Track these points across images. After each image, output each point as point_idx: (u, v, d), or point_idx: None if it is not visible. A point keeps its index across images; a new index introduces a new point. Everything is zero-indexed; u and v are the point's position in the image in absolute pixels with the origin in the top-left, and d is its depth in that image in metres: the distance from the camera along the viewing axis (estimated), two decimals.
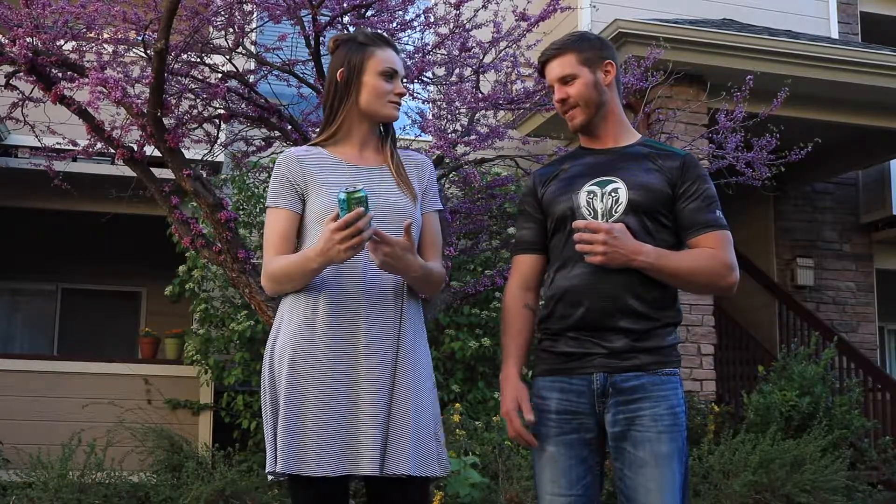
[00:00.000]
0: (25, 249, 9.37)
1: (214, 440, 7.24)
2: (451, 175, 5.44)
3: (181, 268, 7.16)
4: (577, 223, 2.25)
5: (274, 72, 4.77)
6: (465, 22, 4.88)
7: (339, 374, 2.21)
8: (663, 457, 2.24)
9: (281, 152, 3.28)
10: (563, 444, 2.34)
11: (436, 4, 5.22)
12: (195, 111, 4.58)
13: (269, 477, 2.27)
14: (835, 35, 8.76)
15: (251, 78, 4.74)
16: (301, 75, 4.79)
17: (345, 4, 4.41)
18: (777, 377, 7.02)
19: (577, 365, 2.33)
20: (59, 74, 4.27)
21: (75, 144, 4.59)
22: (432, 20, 4.93)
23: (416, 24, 4.87)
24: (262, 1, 4.48)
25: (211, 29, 4.88)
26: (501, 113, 5.86)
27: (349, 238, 2.10)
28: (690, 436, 5.95)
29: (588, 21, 7.65)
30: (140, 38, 4.25)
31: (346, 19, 4.61)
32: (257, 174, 6.38)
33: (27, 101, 4.50)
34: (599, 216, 2.34)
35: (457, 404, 6.12)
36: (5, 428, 7.05)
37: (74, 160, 4.77)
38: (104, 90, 3.95)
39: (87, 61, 4.29)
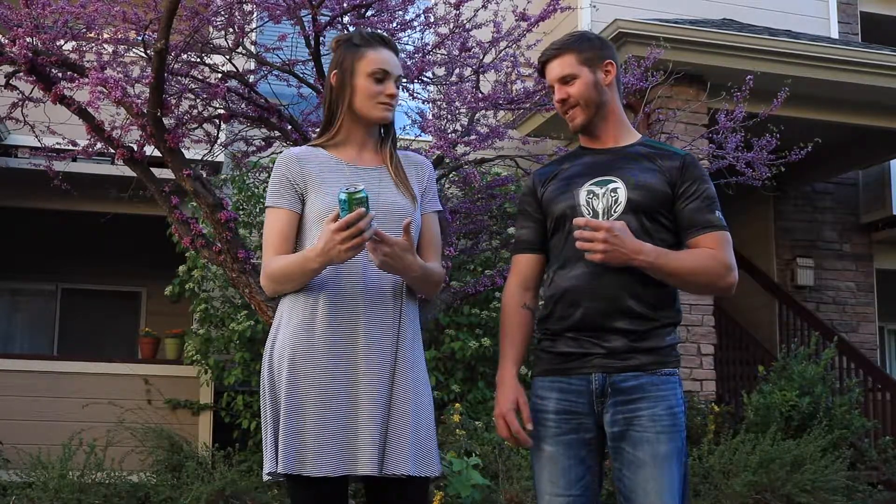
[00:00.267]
0: (25, 249, 9.37)
1: (214, 440, 7.25)
2: (451, 175, 5.44)
3: (181, 268, 7.16)
4: (578, 220, 2.25)
5: (274, 72, 4.77)
6: (465, 22, 4.88)
7: (338, 374, 2.21)
8: (662, 457, 2.24)
9: (281, 152, 3.28)
10: (562, 444, 2.34)
11: (436, 4, 5.22)
12: (195, 111, 4.57)
13: (267, 477, 2.26)
14: (835, 35, 8.76)
15: (251, 78, 4.74)
16: (301, 75, 4.78)
17: (345, 4, 4.41)
18: (777, 377, 7.02)
19: (576, 365, 2.33)
20: (59, 74, 4.27)
21: (75, 144, 4.58)
22: (432, 20, 4.93)
23: (416, 24, 4.87)
24: (262, 1, 4.48)
25: (211, 29, 4.87)
26: (501, 113, 5.85)
27: (350, 238, 2.10)
28: (690, 436, 5.98)
29: (588, 21, 7.65)
30: (140, 38, 4.25)
31: (346, 19, 4.61)
32: (257, 174, 6.38)
33: (27, 101, 4.50)
34: (599, 216, 2.34)
35: (457, 404, 6.13)
36: (5, 428, 7.05)
37: (74, 160, 4.77)
38: (104, 90, 3.95)
39: (87, 61, 4.29)
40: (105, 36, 4.31)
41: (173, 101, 4.39)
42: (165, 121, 4.23)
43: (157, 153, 4.32)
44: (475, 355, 6.71)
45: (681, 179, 2.36)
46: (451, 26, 4.89)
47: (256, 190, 6.89)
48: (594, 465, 2.36)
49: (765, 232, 9.33)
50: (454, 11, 4.84)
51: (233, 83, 4.61)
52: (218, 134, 5.00)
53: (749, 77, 5.40)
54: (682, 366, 2.40)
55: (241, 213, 6.81)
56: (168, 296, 7.31)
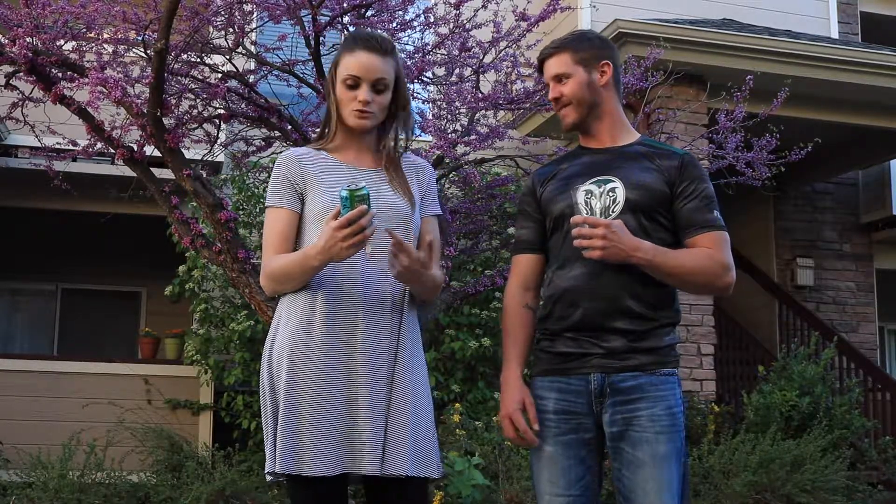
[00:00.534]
0: (25, 249, 9.37)
1: (214, 440, 7.25)
2: (451, 175, 5.44)
3: (181, 268, 7.16)
4: (576, 218, 2.25)
5: (274, 72, 4.77)
6: (465, 22, 4.88)
7: (335, 374, 2.21)
8: (661, 457, 2.24)
9: (281, 152, 3.28)
10: (562, 444, 2.34)
11: (436, 4, 5.22)
12: (195, 111, 4.58)
13: (269, 477, 2.26)
14: (835, 35, 8.76)
15: (251, 78, 4.74)
16: (301, 75, 4.78)
17: (345, 4, 4.41)
18: (777, 377, 7.02)
19: (575, 365, 2.33)
20: (59, 74, 4.28)
21: (75, 144, 4.59)
22: (432, 20, 4.93)
23: (416, 24, 4.87)
24: (262, 1, 4.48)
25: (211, 29, 4.88)
26: (501, 113, 5.86)
27: (352, 236, 2.09)
28: (690, 436, 5.98)
29: (588, 21, 7.65)
30: (140, 38, 4.25)
31: (346, 19, 4.61)
32: (257, 174, 6.38)
33: (27, 101, 4.50)
34: (597, 215, 2.33)
35: (457, 404, 6.12)
36: (5, 428, 7.05)
37: (74, 160, 4.78)
38: (104, 90, 3.95)
39: (87, 61, 4.29)
40: (105, 36, 4.31)
41: (173, 101, 4.39)
42: (165, 121, 4.24)
43: (157, 153, 4.32)
44: (475, 355, 6.71)
45: (679, 179, 2.36)
46: (451, 26, 4.90)
47: (256, 190, 6.89)
48: (594, 465, 2.36)
49: (765, 232, 9.33)
50: (454, 11, 4.84)
51: (233, 83, 4.62)
52: (218, 134, 5.00)
53: (749, 77, 5.41)
54: (682, 366, 2.41)
55: (241, 213, 6.81)
56: (168, 296, 7.31)
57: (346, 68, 2.29)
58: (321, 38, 4.44)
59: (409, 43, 5.04)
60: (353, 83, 2.28)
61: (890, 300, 9.91)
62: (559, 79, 2.43)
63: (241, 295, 4.97)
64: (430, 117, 5.11)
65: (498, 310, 6.64)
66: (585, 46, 2.44)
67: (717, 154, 5.50)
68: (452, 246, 4.95)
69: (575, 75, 2.41)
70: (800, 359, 7.10)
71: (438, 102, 5.20)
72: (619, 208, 2.33)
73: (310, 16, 4.37)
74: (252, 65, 4.85)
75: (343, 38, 2.41)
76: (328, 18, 4.44)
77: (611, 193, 2.35)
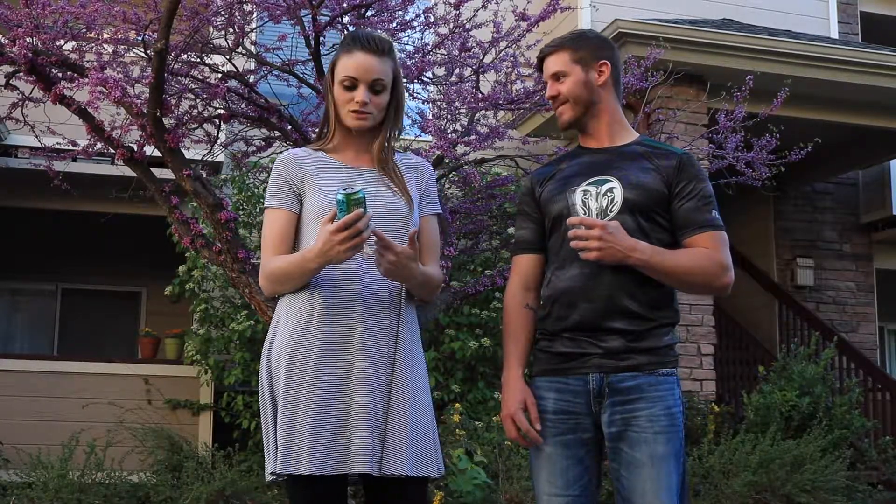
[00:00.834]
0: (25, 249, 9.37)
1: (214, 440, 7.25)
2: (450, 175, 5.44)
3: (181, 268, 7.16)
4: (572, 219, 2.25)
5: (274, 72, 4.77)
6: (464, 22, 4.88)
7: (333, 374, 2.21)
8: (660, 457, 2.24)
9: (281, 152, 3.28)
10: (560, 444, 2.34)
11: (436, 4, 5.22)
12: (195, 111, 4.58)
13: (270, 477, 2.27)
14: (835, 35, 8.76)
15: (251, 78, 4.74)
16: (301, 75, 4.79)
17: (345, 4, 4.41)
18: (777, 377, 7.02)
19: (574, 365, 2.34)
20: (59, 74, 4.27)
21: (75, 144, 4.59)
22: (432, 20, 4.94)
23: (416, 24, 4.87)
24: (262, 1, 4.48)
25: (211, 29, 4.88)
26: (501, 113, 5.86)
27: (349, 239, 2.10)
28: (690, 436, 5.98)
29: (588, 21, 7.65)
30: (140, 38, 4.25)
31: (346, 19, 4.61)
32: (257, 174, 6.38)
33: (27, 101, 4.50)
34: (594, 215, 2.33)
35: (457, 404, 6.12)
36: (5, 428, 7.05)
37: (74, 160, 4.77)
38: (104, 90, 3.95)
39: (87, 61, 4.29)
40: (105, 36, 4.31)
41: (173, 101, 4.39)
42: (165, 121, 4.24)
43: (157, 153, 4.32)
44: (475, 355, 6.71)
45: (677, 178, 2.36)
46: (451, 26, 4.90)
47: (256, 190, 6.89)
48: (592, 465, 2.36)
49: (765, 232, 9.33)
50: (454, 11, 4.85)
51: (233, 83, 4.62)
52: (218, 134, 5.00)
53: (749, 77, 5.41)
54: (682, 366, 2.41)
55: (241, 213, 6.81)
56: (168, 296, 7.31)
57: (344, 69, 2.30)
58: (321, 38, 4.44)
59: (409, 43, 5.04)
60: (351, 84, 2.29)
61: (890, 300, 9.91)
62: (557, 77, 2.44)
63: (241, 295, 4.97)
64: (430, 117, 5.11)
65: (498, 310, 6.64)
66: (584, 46, 2.44)
67: (717, 154, 5.50)
68: (452, 246, 4.95)
69: (572, 74, 2.42)
70: (800, 359, 7.10)
71: (438, 102, 5.20)
72: (616, 208, 2.33)
73: (310, 16, 4.37)
74: (252, 65, 4.85)
75: (346, 36, 2.41)
76: (328, 18, 4.44)
77: (608, 194, 2.35)
